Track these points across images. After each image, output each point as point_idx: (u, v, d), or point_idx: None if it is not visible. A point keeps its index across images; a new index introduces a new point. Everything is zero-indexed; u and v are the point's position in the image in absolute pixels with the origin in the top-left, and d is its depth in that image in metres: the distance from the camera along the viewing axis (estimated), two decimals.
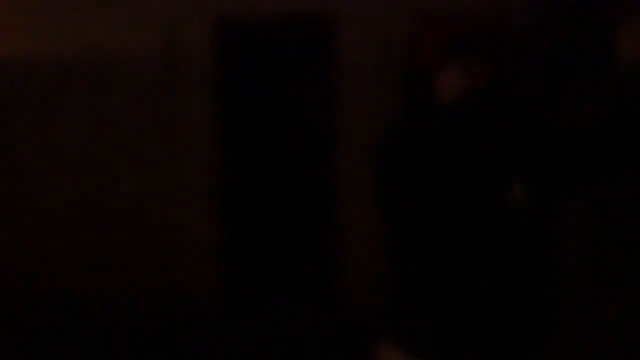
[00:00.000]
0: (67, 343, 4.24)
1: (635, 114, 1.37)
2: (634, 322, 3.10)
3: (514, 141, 1.47)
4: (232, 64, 4.71)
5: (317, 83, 4.76)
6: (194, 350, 4.15)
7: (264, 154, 4.83)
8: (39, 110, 4.58)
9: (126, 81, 4.53)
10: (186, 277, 4.66)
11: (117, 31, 4.49)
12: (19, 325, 4.50)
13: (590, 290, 3.34)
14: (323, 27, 4.62)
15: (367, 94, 4.49)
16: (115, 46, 4.50)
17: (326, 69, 4.68)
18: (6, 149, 4.61)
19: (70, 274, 4.66)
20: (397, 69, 4.27)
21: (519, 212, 1.51)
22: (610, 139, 1.39)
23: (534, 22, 3.85)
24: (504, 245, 1.56)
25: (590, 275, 3.38)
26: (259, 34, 4.71)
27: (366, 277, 4.43)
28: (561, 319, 1.68)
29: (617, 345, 3.18)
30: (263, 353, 4.09)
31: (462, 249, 1.55)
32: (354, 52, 4.48)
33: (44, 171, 4.61)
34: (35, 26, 4.50)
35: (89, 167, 4.61)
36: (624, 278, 3.25)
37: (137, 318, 4.58)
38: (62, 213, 4.64)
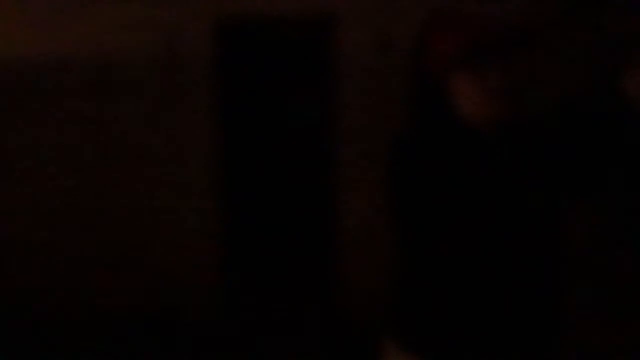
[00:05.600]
0: (68, 342, 4.24)
1: None
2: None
3: (535, 156, 1.50)
4: (232, 64, 4.71)
5: (317, 83, 4.76)
6: (195, 350, 4.15)
7: (264, 154, 4.83)
8: (40, 110, 4.58)
9: (126, 81, 4.53)
10: (187, 277, 4.65)
11: (118, 31, 4.49)
12: (20, 324, 4.49)
13: (598, 290, 3.34)
14: (323, 27, 4.62)
15: (367, 94, 4.49)
16: (116, 46, 4.50)
17: (326, 69, 4.68)
18: (6, 149, 4.61)
19: (71, 274, 4.66)
20: (402, 71, 4.26)
21: (532, 213, 1.51)
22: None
23: (535, 24, 3.84)
24: (515, 247, 1.56)
25: (597, 277, 3.38)
26: (259, 34, 4.71)
27: (367, 276, 4.43)
28: (570, 320, 1.69)
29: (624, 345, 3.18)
30: (264, 353, 4.09)
31: (474, 252, 1.55)
32: (354, 52, 4.48)
33: (43, 171, 4.61)
34: (35, 26, 4.50)
35: (88, 167, 4.61)
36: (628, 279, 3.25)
37: (138, 318, 4.58)
38: (62, 213, 4.64)
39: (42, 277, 4.67)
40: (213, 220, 4.66)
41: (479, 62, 1.49)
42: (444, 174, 1.52)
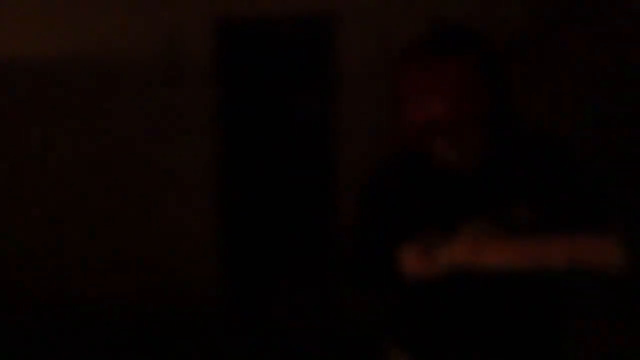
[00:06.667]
0: (68, 343, 4.25)
1: None
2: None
3: (525, 183, 1.54)
4: (233, 63, 4.71)
5: (317, 83, 4.76)
6: (195, 349, 4.16)
7: (264, 153, 4.84)
8: (40, 110, 4.59)
9: (127, 81, 4.54)
10: (187, 277, 4.66)
11: (118, 31, 4.49)
12: (21, 326, 4.51)
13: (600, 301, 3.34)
14: (323, 27, 4.62)
15: (367, 94, 4.49)
16: (116, 46, 4.50)
17: (326, 69, 4.68)
18: (7, 149, 4.62)
19: (70, 274, 4.68)
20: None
21: (523, 231, 1.52)
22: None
23: (532, 30, 3.83)
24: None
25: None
26: (259, 34, 4.71)
27: None
28: (574, 329, 1.69)
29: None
30: (263, 353, 4.10)
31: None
32: (354, 52, 4.48)
33: (44, 171, 4.62)
34: (35, 26, 4.50)
35: (89, 167, 4.62)
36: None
37: (138, 318, 4.59)
38: (62, 214, 4.65)
39: (42, 277, 4.69)
40: (213, 220, 4.66)
41: (447, 132, 1.51)
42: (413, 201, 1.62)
